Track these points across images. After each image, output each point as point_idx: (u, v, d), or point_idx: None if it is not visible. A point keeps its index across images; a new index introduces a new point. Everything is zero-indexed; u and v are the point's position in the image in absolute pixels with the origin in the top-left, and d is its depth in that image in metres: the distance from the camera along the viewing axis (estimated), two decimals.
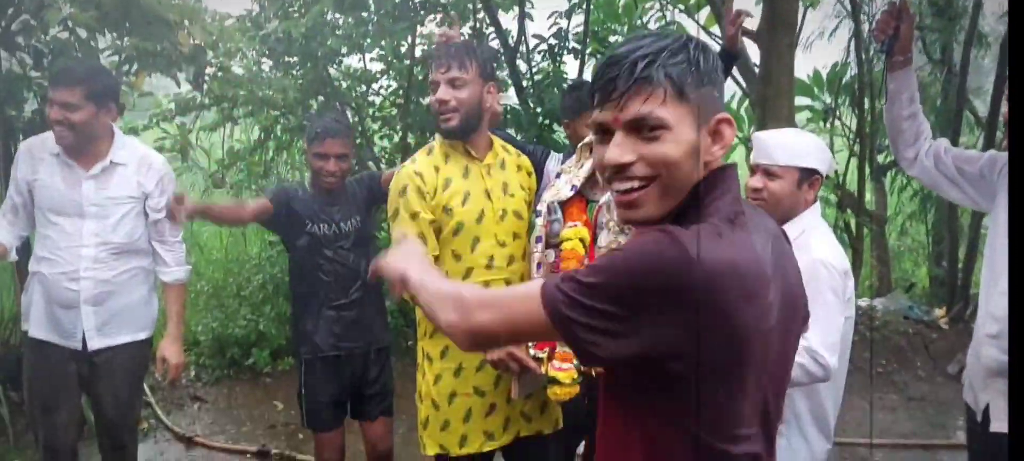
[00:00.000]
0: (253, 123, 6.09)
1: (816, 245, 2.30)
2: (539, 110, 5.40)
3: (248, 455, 4.78)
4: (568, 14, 5.66)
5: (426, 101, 6.18)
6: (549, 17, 5.67)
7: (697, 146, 1.28)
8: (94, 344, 3.27)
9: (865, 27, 6.25)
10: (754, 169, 2.44)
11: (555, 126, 5.50)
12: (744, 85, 6.05)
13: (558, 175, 2.75)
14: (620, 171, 1.29)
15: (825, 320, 2.22)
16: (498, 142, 2.82)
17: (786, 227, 2.32)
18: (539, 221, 2.65)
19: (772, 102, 5.31)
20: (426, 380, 2.74)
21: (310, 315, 3.41)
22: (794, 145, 2.40)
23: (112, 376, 3.33)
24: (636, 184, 1.29)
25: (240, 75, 5.16)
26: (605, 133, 1.32)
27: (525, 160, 2.88)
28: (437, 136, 2.74)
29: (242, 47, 5.13)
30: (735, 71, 6.28)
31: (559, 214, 2.65)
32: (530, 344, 2.56)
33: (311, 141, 3.41)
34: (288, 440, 4.97)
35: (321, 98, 5.82)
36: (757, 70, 5.65)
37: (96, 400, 3.39)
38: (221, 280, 6.48)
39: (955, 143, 6.14)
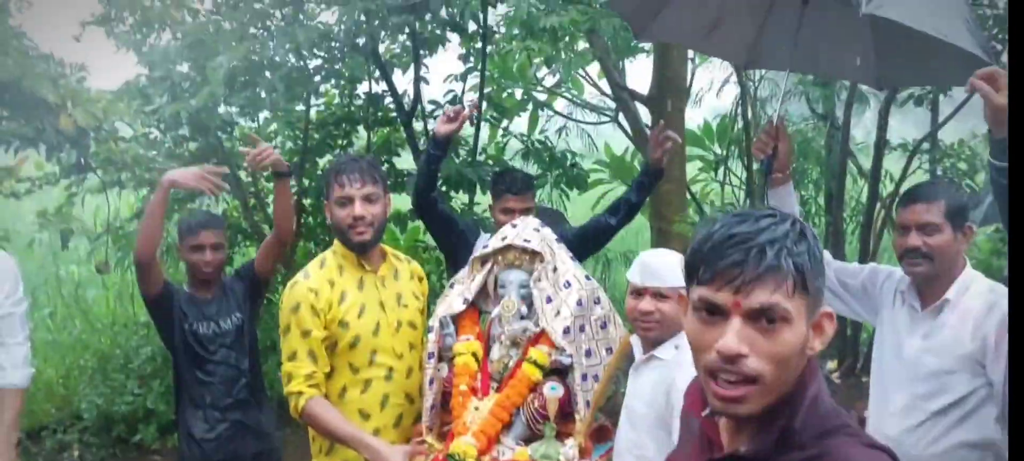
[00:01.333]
0: (140, 189, 5.84)
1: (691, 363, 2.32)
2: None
3: None
4: (463, 77, 5.66)
5: (323, 163, 6.09)
6: (445, 80, 5.66)
7: (806, 340, 1.25)
8: None
9: (750, 84, 6.47)
10: (642, 292, 2.39)
11: (454, 193, 5.48)
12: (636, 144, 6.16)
13: (452, 285, 2.75)
14: (731, 361, 1.22)
15: None
16: (390, 252, 2.86)
17: (663, 347, 2.37)
18: (431, 336, 2.64)
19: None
20: None
21: (193, 417, 3.32)
22: (680, 268, 2.41)
23: None
24: (745, 378, 1.22)
25: (128, 142, 4.97)
26: (712, 313, 1.24)
27: (417, 267, 2.93)
28: (333, 248, 2.79)
29: (127, 122, 4.93)
30: (625, 125, 6.42)
31: (451, 328, 2.65)
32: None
33: (184, 235, 3.37)
34: None
35: (214, 161, 5.64)
36: (648, 131, 5.78)
37: None
38: (107, 350, 6.18)
39: (840, 194, 6.41)
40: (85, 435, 5.60)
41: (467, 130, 5.80)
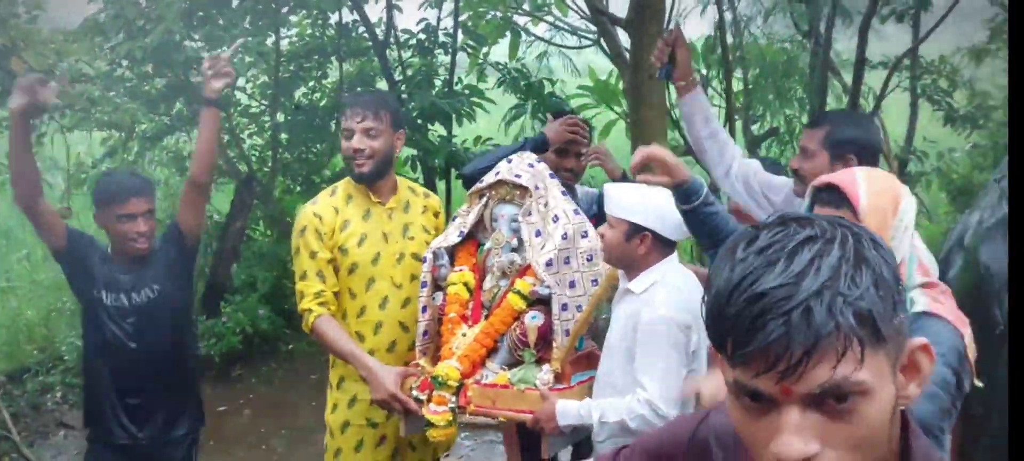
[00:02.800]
0: (106, 130, 5.71)
1: (660, 301, 2.34)
2: (412, 106, 5.27)
3: None
4: (437, 3, 5.52)
5: (298, 96, 5.96)
6: (419, 7, 5.52)
7: (895, 400, 0.91)
8: None
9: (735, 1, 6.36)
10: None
11: (429, 125, 5.39)
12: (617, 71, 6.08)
13: (454, 218, 2.79)
14: None
15: (664, 373, 2.30)
16: (404, 184, 2.94)
17: (635, 280, 2.41)
18: (425, 266, 2.71)
19: (644, 88, 5.35)
20: (327, 407, 2.91)
21: (97, 394, 3.00)
22: (624, 199, 2.42)
23: None
24: None
25: (92, 79, 4.83)
26: (757, 399, 0.89)
27: (434, 201, 3.01)
28: (347, 177, 2.86)
29: (85, 61, 4.78)
30: (606, 49, 6.32)
31: (446, 259, 2.72)
32: (413, 385, 2.60)
33: (109, 202, 2.91)
34: None
35: (183, 98, 5.52)
36: (628, 56, 5.68)
37: None
38: None
39: (822, 107, 6.38)
40: (67, 376, 5.58)
41: (442, 59, 5.69)
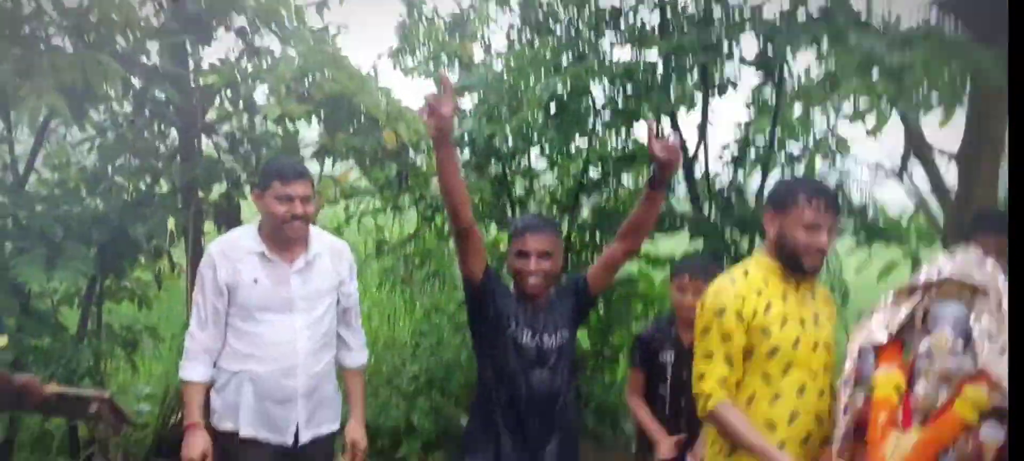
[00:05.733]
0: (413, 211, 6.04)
1: None
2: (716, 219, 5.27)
3: None
4: (747, 128, 5.53)
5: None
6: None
7: None
8: (304, 437, 3.24)
9: None
10: None
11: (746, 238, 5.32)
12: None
13: (871, 313, 2.67)
14: None
15: None
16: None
17: None
18: (849, 363, 2.59)
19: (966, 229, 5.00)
20: None
21: (492, 448, 3.07)
22: None
23: None
24: None
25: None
26: None
27: (827, 291, 2.93)
28: (755, 258, 2.81)
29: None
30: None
31: (871, 357, 2.58)
32: None
33: (511, 238, 3.14)
34: None
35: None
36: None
37: None
38: (371, 367, 6.39)
39: None
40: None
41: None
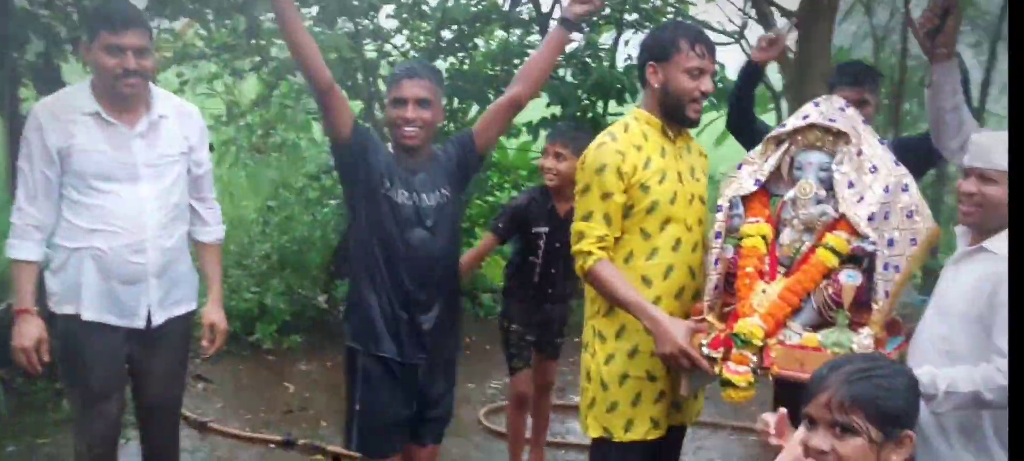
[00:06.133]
0: (254, 78, 5.64)
1: None
2: (576, 82, 5.17)
3: (271, 445, 4.40)
4: None
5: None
6: None
7: None
8: (157, 319, 2.93)
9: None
10: (968, 172, 2.30)
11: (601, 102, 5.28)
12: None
13: (740, 166, 2.63)
14: None
15: None
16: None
17: (995, 239, 2.22)
18: (719, 215, 2.55)
19: (807, 89, 5.17)
20: (596, 359, 2.68)
21: (375, 309, 2.86)
22: (1003, 150, 2.25)
23: (168, 353, 3.02)
24: None
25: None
26: None
27: (698, 145, 2.83)
28: (634, 114, 2.71)
29: None
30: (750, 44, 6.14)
31: (740, 208, 2.55)
32: (702, 342, 2.45)
33: (388, 85, 2.93)
34: (310, 428, 4.62)
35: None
36: (792, 54, 5.52)
37: (147, 383, 3.04)
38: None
39: None
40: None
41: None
